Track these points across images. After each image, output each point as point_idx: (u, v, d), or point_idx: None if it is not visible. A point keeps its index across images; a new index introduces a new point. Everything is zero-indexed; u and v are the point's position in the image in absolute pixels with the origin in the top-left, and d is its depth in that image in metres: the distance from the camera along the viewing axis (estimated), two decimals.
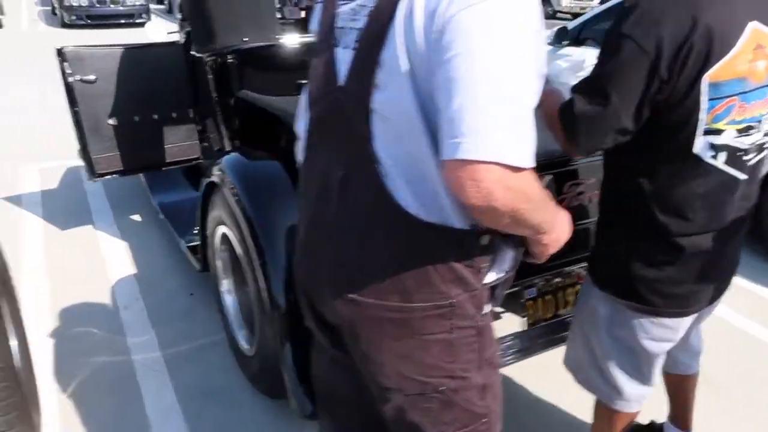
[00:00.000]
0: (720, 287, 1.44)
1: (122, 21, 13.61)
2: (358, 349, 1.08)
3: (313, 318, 1.19)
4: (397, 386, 1.07)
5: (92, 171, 3.20)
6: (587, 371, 1.57)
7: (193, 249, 2.89)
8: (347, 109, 0.98)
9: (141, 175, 3.73)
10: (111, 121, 3.18)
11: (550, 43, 4.62)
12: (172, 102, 3.33)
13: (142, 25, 13.77)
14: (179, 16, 3.41)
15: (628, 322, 1.41)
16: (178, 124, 3.38)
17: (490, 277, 1.05)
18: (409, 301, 0.99)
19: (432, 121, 0.89)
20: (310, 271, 1.13)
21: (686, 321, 1.44)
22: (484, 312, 1.06)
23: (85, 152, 3.17)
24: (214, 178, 2.17)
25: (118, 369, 2.41)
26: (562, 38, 4.55)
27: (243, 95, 2.50)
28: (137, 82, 3.20)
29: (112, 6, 13.47)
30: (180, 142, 3.42)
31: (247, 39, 2.45)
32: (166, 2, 17.47)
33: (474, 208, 0.84)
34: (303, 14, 3.26)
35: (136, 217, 3.83)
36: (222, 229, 2.22)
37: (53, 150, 5.08)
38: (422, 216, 0.95)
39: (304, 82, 1.23)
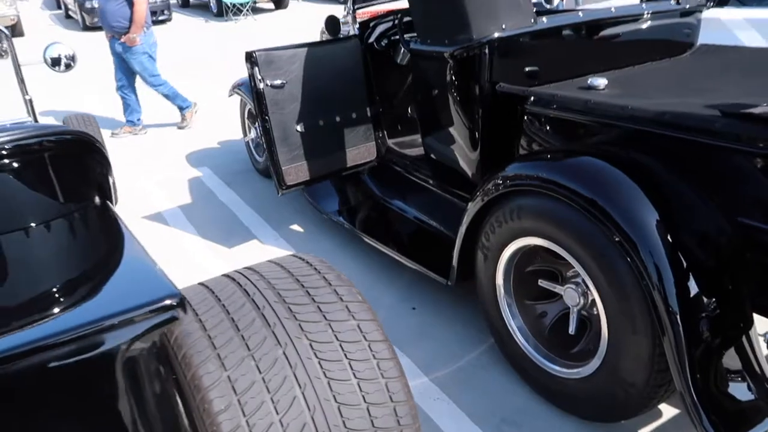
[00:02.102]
0: None
1: None
2: None
3: None
4: None
5: (282, 183, 2.97)
6: None
7: (416, 258, 2.70)
8: None
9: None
10: (299, 128, 2.95)
11: None
12: (351, 101, 3.11)
13: (164, 22, 13.42)
14: (354, 5, 3.16)
15: None
16: (357, 125, 3.16)
17: None
18: None
19: None
20: None
21: None
22: None
23: (275, 164, 2.93)
24: (520, 187, 1.96)
25: None
26: None
27: (507, 89, 2.26)
28: (320, 82, 2.98)
29: None
30: (359, 144, 3.20)
31: (505, 26, 2.22)
32: None
33: None
34: None
35: (297, 228, 3.60)
36: (526, 241, 2.00)
37: (152, 160, 4.87)
38: None
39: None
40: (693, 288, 1.65)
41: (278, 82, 2.84)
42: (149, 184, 4.41)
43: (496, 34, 2.22)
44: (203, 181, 4.39)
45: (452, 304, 2.70)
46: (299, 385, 1.26)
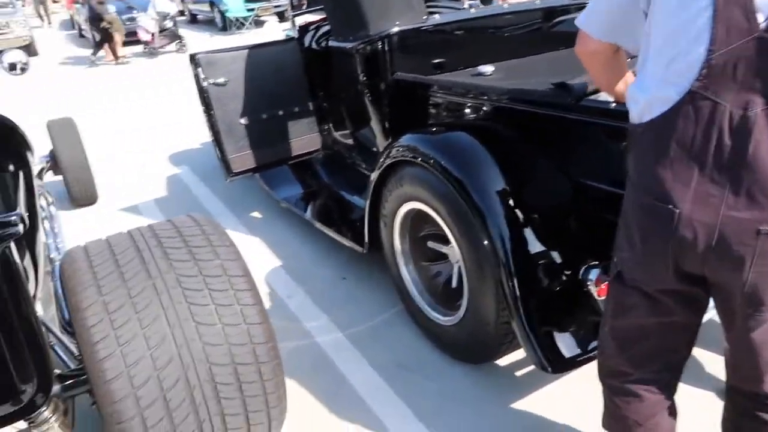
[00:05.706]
0: None
1: None
2: (743, 278, 1.14)
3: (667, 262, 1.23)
4: None
5: (228, 170, 3.30)
6: None
7: (343, 233, 2.99)
8: None
9: (257, 174, 3.80)
10: (242, 121, 3.28)
11: None
12: (293, 97, 3.42)
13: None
14: (292, 13, 3.49)
15: None
16: (299, 118, 3.47)
17: None
18: None
19: None
20: (703, 219, 1.13)
21: None
22: None
23: (221, 153, 3.26)
24: (402, 157, 2.24)
25: (309, 352, 2.50)
26: None
27: (402, 77, 2.55)
28: (262, 80, 3.30)
29: None
30: (302, 135, 3.51)
31: (399, 23, 2.51)
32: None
33: None
34: None
35: (257, 214, 3.93)
36: (410, 206, 2.28)
37: (144, 160, 5.24)
38: None
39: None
40: (529, 240, 1.91)
41: (221, 80, 3.17)
42: (132, 179, 4.79)
43: (392, 30, 2.52)
44: (181, 178, 4.75)
45: (378, 274, 2.98)
46: (163, 307, 1.56)
